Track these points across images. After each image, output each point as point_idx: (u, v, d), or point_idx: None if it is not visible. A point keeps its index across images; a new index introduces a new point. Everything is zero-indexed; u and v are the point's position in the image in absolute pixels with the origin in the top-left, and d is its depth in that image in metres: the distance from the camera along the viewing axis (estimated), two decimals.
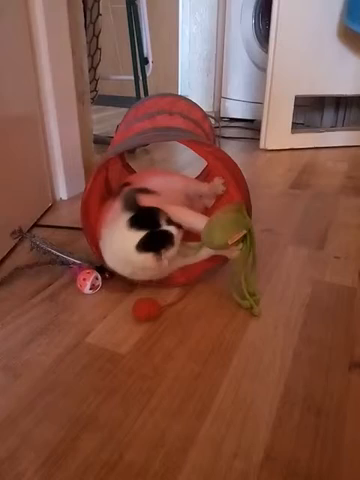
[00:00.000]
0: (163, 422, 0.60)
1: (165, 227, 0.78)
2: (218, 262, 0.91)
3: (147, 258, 0.76)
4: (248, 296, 0.83)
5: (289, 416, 0.61)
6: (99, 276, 0.90)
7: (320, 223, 1.25)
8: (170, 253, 0.78)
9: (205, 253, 0.87)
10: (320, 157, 1.96)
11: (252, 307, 0.82)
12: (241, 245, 0.82)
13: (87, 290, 0.89)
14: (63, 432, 0.58)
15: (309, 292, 0.91)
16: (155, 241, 0.77)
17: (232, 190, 0.92)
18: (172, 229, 0.78)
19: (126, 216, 0.78)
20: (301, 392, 0.65)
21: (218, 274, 0.95)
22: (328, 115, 2.14)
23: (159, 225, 0.78)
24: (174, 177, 1.08)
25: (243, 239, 0.81)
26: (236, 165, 0.85)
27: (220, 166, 0.92)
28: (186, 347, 0.75)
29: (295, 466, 0.54)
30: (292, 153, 2.02)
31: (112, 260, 0.84)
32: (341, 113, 2.15)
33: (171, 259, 0.79)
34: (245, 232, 0.80)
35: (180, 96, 1.32)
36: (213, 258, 0.89)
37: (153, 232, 0.77)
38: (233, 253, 0.83)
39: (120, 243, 0.79)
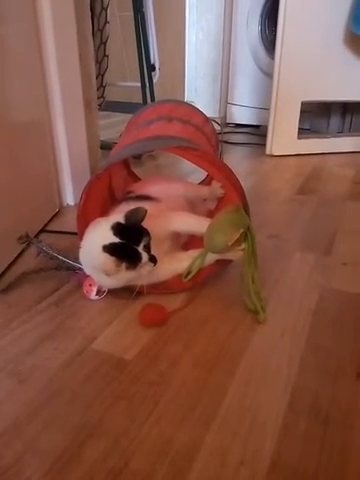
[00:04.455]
0: (168, 430, 0.59)
1: (140, 250, 0.78)
2: (223, 264, 0.91)
3: (108, 260, 0.76)
4: (255, 299, 0.82)
5: (295, 424, 0.60)
6: None
7: (327, 229, 1.24)
8: (129, 273, 0.78)
9: (210, 258, 0.87)
10: (327, 163, 1.95)
11: (258, 312, 0.82)
12: (244, 244, 0.81)
13: (93, 296, 0.89)
14: (68, 439, 0.58)
15: (316, 299, 0.90)
16: (123, 252, 0.77)
17: (228, 191, 0.93)
18: (144, 256, 0.78)
19: (115, 219, 0.79)
20: (308, 400, 0.64)
21: (224, 279, 0.95)
22: (335, 121, 2.14)
23: (137, 245, 0.78)
24: (175, 184, 1.08)
25: (244, 238, 0.81)
26: (226, 165, 0.85)
27: (212, 169, 0.92)
28: (192, 354, 0.74)
29: (301, 475, 0.53)
30: (298, 159, 2.01)
31: (81, 253, 0.84)
32: (348, 119, 2.14)
33: (130, 277, 0.80)
34: (243, 230, 0.79)
35: (181, 102, 1.33)
36: (217, 261, 0.89)
37: (126, 245, 0.77)
38: (237, 254, 0.83)
39: (92, 238, 0.80)
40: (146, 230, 0.80)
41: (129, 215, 0.79)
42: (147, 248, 0.79)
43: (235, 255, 0.84)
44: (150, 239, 0.79)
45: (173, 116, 1.08)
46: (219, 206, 1.03)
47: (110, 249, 0.76)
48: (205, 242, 0.82)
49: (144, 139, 0.93)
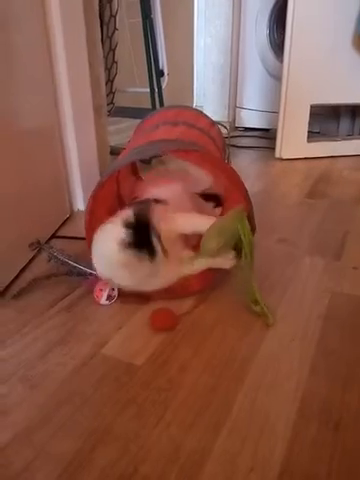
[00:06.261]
0: (178, 435, 0.60)
1: (153, 240, 0.77)
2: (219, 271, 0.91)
3: (126, 254, 0.75)
4: (261, 302, 0.83)
5: (306, 430, 0.60)
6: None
7: (337, 233, 1.23)
8: (148, 267, 0.77)
9: (199, 265, 0.86)
10: (336, 166, 1.94)
11: (267, 316, 0.82)
12: (232, 254, 0.82)
13: (103, 301, 0.89)
14: (79, 444, 0.58)
15: (326, 304, 0.89)
16: (140, 243, 0.75)
17: (232, 192, 0.93)
18: (157, 246, 0.77)
19: (122, 217, 0.78)
20: (318, 405, 0.64)
21: (232, 284, 0.95)
22: (344, 124, 2.13)
23: (149, 237, 0.77)
24: (173, 182, 1.07)
25: (235, 247, 0.81)
26: (226, 164, 0.85)
27: (214, 170, 0.92)
28: (201, 359, 0.74)
29: None
30: (308, 162, 2.00)
31: (95, 257, 0.83)
32: (357, 121, 2.13)
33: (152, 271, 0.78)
34: (224, 242, 0.80)
35: (186, 106, 1.34)
36: (210, 270, 0.88)
37: (141, 237, 0.75)
38: (229, 263, 0.84)
39: (105, 239, 0.79)
40: (152, 224, 0.77)
41: (137, 209, 0.78)
42: (159, 238, 0.77)
43: (227, 263, 0.84)
44: (157, 233, 0.78)
45: (179, 120, 1.09)
46: (225, 208, 1.02)
47: (127, 243, 0.75)
48: (201, 245, 0.83)
49: (146, 143, 0.93)
